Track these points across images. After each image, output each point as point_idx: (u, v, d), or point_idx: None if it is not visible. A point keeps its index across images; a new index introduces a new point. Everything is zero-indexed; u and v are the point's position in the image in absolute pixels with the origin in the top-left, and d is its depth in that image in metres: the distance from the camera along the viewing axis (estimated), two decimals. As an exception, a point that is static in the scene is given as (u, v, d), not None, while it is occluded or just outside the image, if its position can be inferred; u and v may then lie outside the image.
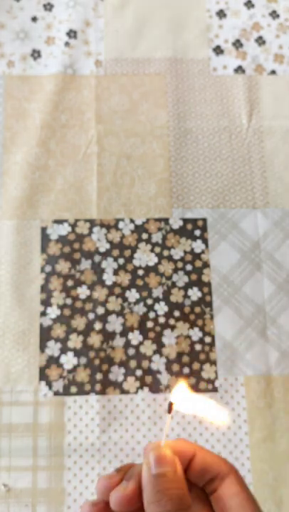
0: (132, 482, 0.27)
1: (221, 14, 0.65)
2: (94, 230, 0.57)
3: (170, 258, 0.57)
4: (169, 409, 0.28)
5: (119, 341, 0.54)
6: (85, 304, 0.55)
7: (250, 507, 0.27)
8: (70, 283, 0.55)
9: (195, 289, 0.56)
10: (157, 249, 0.57)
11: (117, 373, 0.53)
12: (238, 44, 0.64)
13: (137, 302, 0.55)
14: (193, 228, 0.58)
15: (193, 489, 0.29)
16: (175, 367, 0.53)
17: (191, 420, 0.52)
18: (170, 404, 0.28)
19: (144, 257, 0.56)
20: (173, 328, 0.54)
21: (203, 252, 0.57)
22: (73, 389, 0.52)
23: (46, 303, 0.55)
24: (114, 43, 0.63)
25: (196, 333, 0.54)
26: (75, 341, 0.54)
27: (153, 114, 0.61)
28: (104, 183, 0.58)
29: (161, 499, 0.25)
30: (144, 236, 0.57)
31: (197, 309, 0.55)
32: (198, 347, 0.54)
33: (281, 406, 0.53)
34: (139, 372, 0.53)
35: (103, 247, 0.56)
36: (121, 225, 0.57)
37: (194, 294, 0.56)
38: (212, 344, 0.54)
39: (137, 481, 0.27)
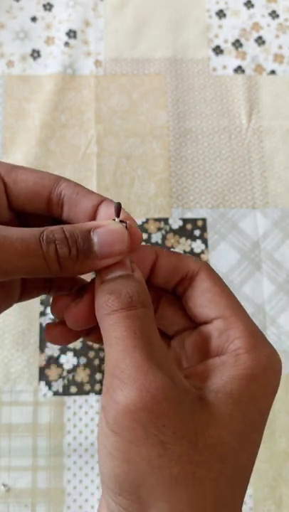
0: (86, 295, 0.23)
1: (221, 14, 0.65)
2: (93, 230, 0.57)
3: (170, 258, 0.57)
4: (117, 212, 0.23)
5: (118, 341, 0.54)
6: (84, 304, 0.55)
7: (223, 301, 0.23)
8: (69, 283, 0.55)
9: (195, 288, 0.56)
10: (157, 249, 0.57)
11: (116, 373, 0.53)
12: (237, 44, 0.64)
13: (136, 302, 0.55)
14: (193, 228, 0.58)
15: (164, 295, 0.26)
16: (175, 367, 0.53)
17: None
18: (118, 206, 0.23)
19: (144, 256, 0.56)
20: (173, 328, 0.54)
21: (202, 252, 0.57)
22: (73, 389, 0.52)
23: (46, 303, 0.55)
24: (114, 42, 0.63)
25: (195, 333, 0.54)
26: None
27: (153, 114, 0.61)
28: (104, 183, 0.58)
29: (108, 299, 0.21)
30: (144, 236, 0.57)
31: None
32: (197, 347, 0.54)
33: (281, 406, 0.53)
34: (138, 372, 0.53)
35: (103, 247, 0.56)
36: (121, 224, 0.57)
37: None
38: (212, 344, 0.54)
39: (91, 294, 0.23)
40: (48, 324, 0.26)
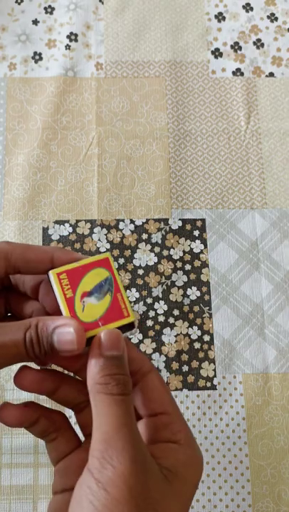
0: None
1: (220, 17, 0.66)
2: (95, 231, 0.58)
3: (169, 258, 0.57)
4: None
5: (119, 340, 0.54)
6: (85, 303, 0.55)
7: (166, 399, 0.29)
8: (70, 282, 0.56)
9: (194, 288, 0.56)
10: (157, 249, 0.57)
11: (117, 371, 0.54)
12: (236, 47, 0.65)
13: (136, 301, 0.56)
14: (193, 228, 0.58)
15: None
16: (174, 365, 0.54)
17: (190, 417, 0.53)
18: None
19: (144, 256, 0.57)
20: (172, 326, 0.55)
21: (202, 251, 0.58)
22: (74, 387, 0.53)
23: (47, 302, 0.55)
24: (115, 45, 0.64)
25: (195, 332, 0.55)
26: (76, 340, 0.54)
27: (153, 116, 0.62)
28: (105, 184, 0.59)
29: (108, 383, 0.26)
30: (144, 236, 0.58)
31: (196, 308, 0.56)
32: (197, 345, 0.55)
33: (279, 403, 0.54)
34: (138, 371, 0.54)
35: (104, 247, 0.57)
36: (121, 225, 0.58)
37: (193, 293, 0.56)
38: (211, 342, 0.55)
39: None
40: (4, 403, 0.31)
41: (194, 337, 0.55)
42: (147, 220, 0.58)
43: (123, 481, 0.23)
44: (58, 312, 0.29)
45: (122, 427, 0.24)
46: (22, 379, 0.30)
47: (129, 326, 0.29)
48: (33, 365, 0.33)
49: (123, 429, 0.24)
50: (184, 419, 0.29)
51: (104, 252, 0.26)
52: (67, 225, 0.58)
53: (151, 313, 0.55)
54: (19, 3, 0.65)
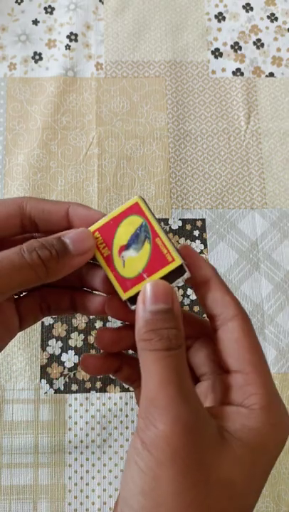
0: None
1: (220, 17, 0.66)
2: (94, 231, 0.58)
3: (169, 258, 0.57)
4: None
5: (119, 340, 0.54)
6: (85, 303, 0.55)
7: (247, 356, 0.25)
8: (70, 282, 0.56)
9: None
10: (157, 249, 0.57)
11: (117, 371, 0.54)
12: (236, 47, 0.65)
13: (136, 301, 0.56)
14: (193, 228, 0.58)
15: (202, 336, 0.29)
16: (174, 365, 0.54)
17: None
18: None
19: (144, 256, 0.57)
20: (172, 327, 0.55)
21: (202, 251, 0.58)
22: (74, 387, 0.53)
23: (47, 302, 0.55)
24: (115, 45, 0.64)
25: (195, 332, 0.55)
26: (76, 340, 0.54)
27: (153, 116, 0.62)
28: (105, 184, 0.59)
29: (151, 338, 0.24)
30: (144, 236, 0.58)
31: (196, 308, 0.56)
32: (197, 345, 0.55)
33: (279, 403, 0.53)
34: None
35: (103, 247, 0.57)
36: (121, 225, 0.58)
37: (193, 293, 0.56)
38: (211, 343, 0.55)
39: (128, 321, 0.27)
40: (85, 354, 0.30)
41: (194, 337, 0.55)
42: (147, 220, 0.58)
43: (167, 443, 0.21)
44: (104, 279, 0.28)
45: (167, 384, 0.22)
46: (101, 338, 0.28)
47: (179, 271, 0.26)
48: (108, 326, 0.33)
49: (167, 386, 0.22)
50: (269, 380, 0.25)
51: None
52: (67, 225, 0.58)
53: (151, 313, 0.55)
54: (19, 3, 0.65)
